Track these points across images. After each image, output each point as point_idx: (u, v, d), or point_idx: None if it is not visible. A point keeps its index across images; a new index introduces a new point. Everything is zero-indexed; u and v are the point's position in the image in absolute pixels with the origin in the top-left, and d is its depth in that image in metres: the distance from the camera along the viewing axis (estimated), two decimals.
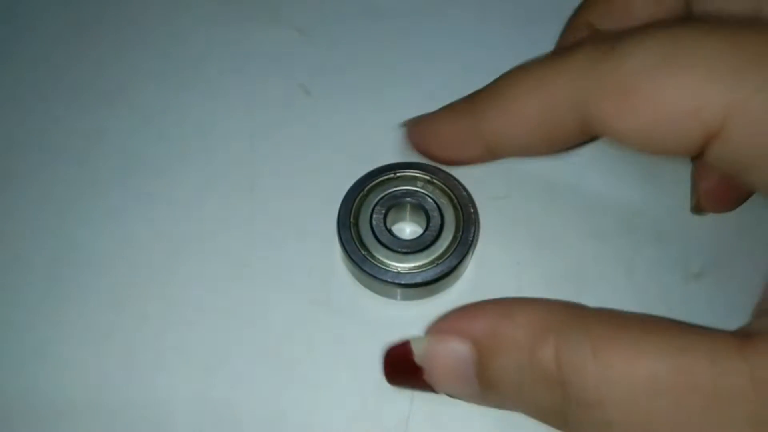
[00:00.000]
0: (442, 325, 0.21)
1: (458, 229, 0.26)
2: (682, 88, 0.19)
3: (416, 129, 0.27)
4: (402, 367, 0.22)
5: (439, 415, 0.24)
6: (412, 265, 0.25)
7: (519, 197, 0.28)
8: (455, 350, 0.20)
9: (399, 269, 0.25)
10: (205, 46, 0.31)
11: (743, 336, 0.17)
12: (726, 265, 0.26)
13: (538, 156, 0.28)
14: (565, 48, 0.23)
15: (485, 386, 0.20)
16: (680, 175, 0.28)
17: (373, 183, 0.27)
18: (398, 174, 0.27)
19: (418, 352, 0.21)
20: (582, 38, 0.25)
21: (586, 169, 0.29)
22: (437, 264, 0.25)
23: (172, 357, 0.26)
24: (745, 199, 0.26)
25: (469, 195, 0.26)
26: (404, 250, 0.26)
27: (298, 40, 0.31)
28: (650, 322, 0.19)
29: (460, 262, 0.25)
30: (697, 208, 0.27)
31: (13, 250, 0.28)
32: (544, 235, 0.27)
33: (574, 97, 0.21)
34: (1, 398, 0.26)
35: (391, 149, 0.28)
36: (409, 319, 0.26)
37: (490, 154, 0.25)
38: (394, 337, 0.25)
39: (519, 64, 0.24)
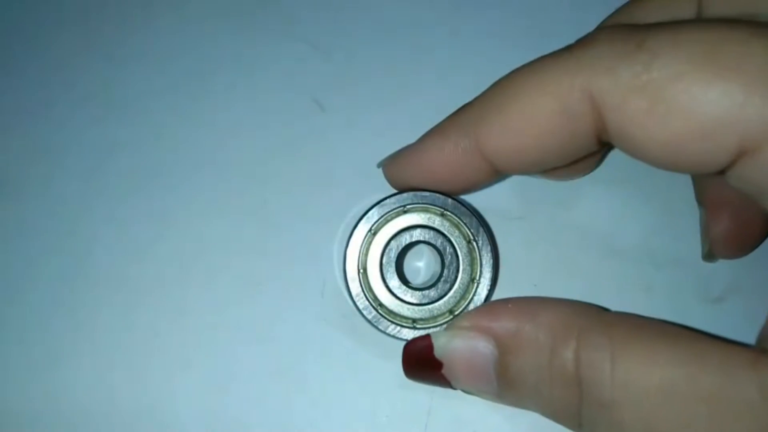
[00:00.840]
0: (464, 322, 0.21)
1: (474, 270, 0.24)
2: (721, 97, 0.17)
3: (397, 165, 0.24)
4: (422, 360, 0.22)
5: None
6: (427, 311, 0.24)
7: (535, 218, 0.28)
8: (477, 347, 0.21)
9: (414, 319, 0.24)
10: (219, 60, 0.31)
11: (757, 351, 0.18)
12: (747, 290, 0.26)
13: (547, 171, 0.25)
14: (580, 39, 0.20)
15: (504, 384, 0.21)
16: None
17: (379, 220, 0.24)
18: (407, 208, 0.24)
19: (439, 347, 0.21)
20: (599, 29, 0.22)
21: (603, 188, 0.28)
22: (455, 315, 0.23)
23: (182, 372, 0.26)
24: (758, 244, 0.25)
25: (485, 230, 0.24)
26: (419, 301, 0.24)
27: (313, 54, 0.31)
28: (668, 329, 0.19)
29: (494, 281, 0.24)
30: (709, 255, 0.26)
31: (24, 261, 0.28)
32: (561, 256, 0.27)
33: (593, 97, 0.19)
34: (12, 408, 0.26)
35: None
36: None
37: (494, 172, 0.22)
38: None
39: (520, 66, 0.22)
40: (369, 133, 0.30)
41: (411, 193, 0.24)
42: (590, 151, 0.21)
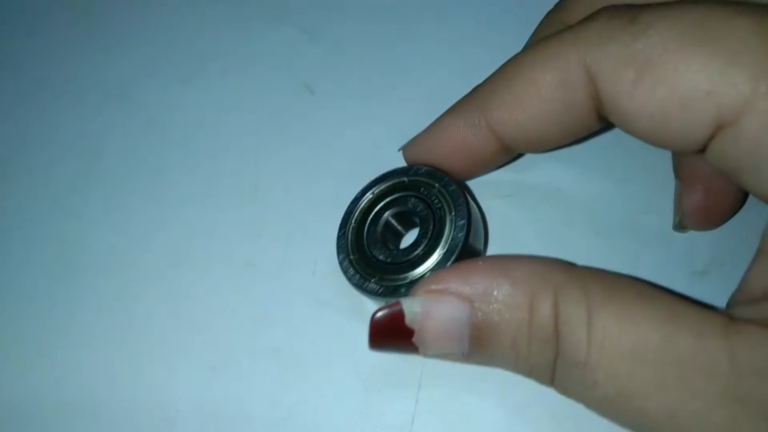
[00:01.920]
0: (435, 284, 0.20)
1: (454, 217, 0.24)
2: (702, 69, 0.18)
3: (416, 149, 0.25)
4: (391, 329, 0.21)
5: (444, 413, 0.25)
6: (423, 270, 0.24)
7: (523, 196, 0.28)
8: (451, 310, 0.20)
9: (411, 277, 0.23)
10: (210, 45, 0.31)
11: (728, 317, 0.18)
12: (730, 262, 0.26)
13: (555, 147, 0.25)
14: (579, 21, 0.21)
15: (478, 345, 0.20)
16: None
17: (363, 205, 0.25)
18: (410, 179, 0.25)
19: (411, 313, 0.20)
20: (601, 8, 0.22)
21: (590, 167, 0.29)
22: (449, 255, 0.23)
23: (177, 357, 0.26)
24: (728, 218, 0.26)
25: (455, 181, 0.24)
26: (392, 260, 0.24)
27: (303, 39, 0.31)
28: (644, 289, 0.19)
29: (465, 242, 0.24)
30: (680, 226, 0.26)
31: (18, 250, 0.28)
32: (548, 233, 0.27)
33: (588, 69, 0.20)
34: (7, 398, 0.26)
35: (394, 148, 0.28)
36: None
37: (504, 149, 0.24)
38: None
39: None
40: (358, 116, 0.30)
41: (411, 167, 0.25)
42: (591, 128, 0.22)
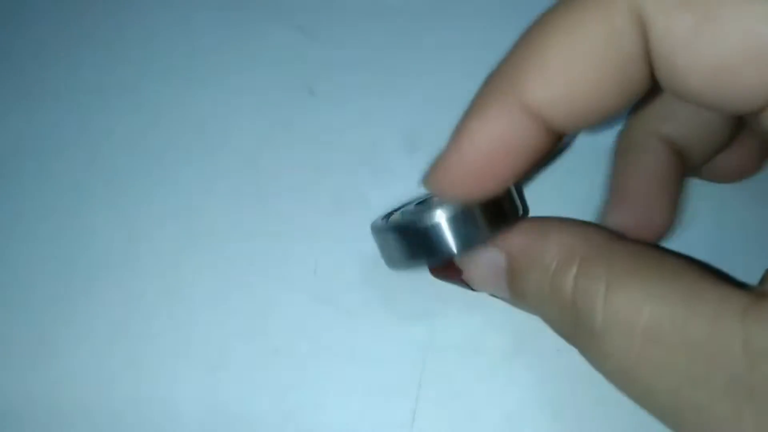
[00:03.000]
0: None
1: None
2: None
3: (444, 173, 0.20)
4: (445, 268, 0.24)
5: (444, 412, 0.25)
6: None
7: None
8: (491, 259, 0.22)
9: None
10: (210, 45, 0.31)
11: (754, 298, 0.17)
12: (729, 256, 0.26)
13: (608, 119, 0.20)
14: None
15: (514, 294, 0.22)
16: None
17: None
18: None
19: (458, 258, 0.23)
20: None
21: (586, 162, 0.29)
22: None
23: (177, 356, 0.26)
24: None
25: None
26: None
27: (303, 39, 0.31)
28: (670, 263, 0.19)
29: None
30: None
31: (19, 249, 0.28)
32: None
33: (640, 15, 0.17)
34: (6, 398, 0.26)
35: (395, 149, 0.29)
36: (413, 314, 0.26)
37: (550, 133, 0.19)
38: (403, 336, 0.26)
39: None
40: (359, 116, 0.30)
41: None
42: (645, 89, 0.18)
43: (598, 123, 0.19)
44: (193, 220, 0.28)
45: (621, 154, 0.25)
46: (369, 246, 0.27)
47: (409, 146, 0.28)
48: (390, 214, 0.25)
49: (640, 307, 0.18)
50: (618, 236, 0.21)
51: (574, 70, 0.17)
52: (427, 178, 0.21)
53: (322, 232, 0.28)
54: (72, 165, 0.30)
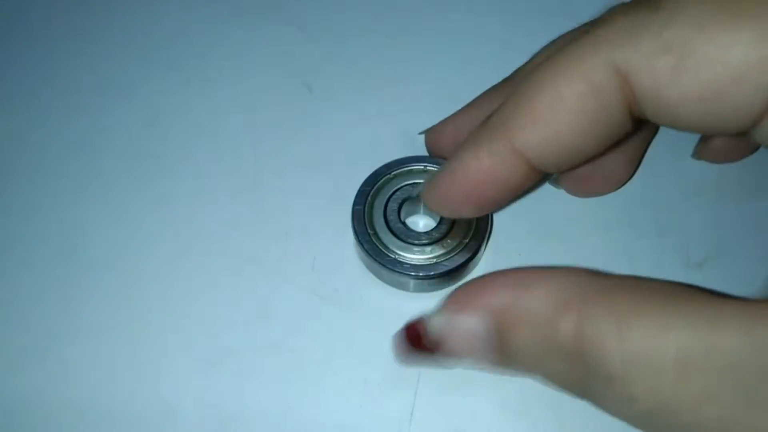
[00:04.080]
0: (458, 299, 0.20)
1: (471, 223, 0.26)
2: (747, 39, 0.17)
3: (439, 191, 0.23)
4: (415, 345, 0.21)
5: (443, 406, 0.25)
6: (427, 256, 0.26)
7: None
8: (472, 325, 0.20)
9: (414, 261, 0.25)
10: (208, 43, 0.31)
11: (764, 306, 0.16)
12: (727, 254, 0.26)
13: (589, 159, 0.23)
14: (596, 19, 0.20)
15: (503, 359, 0.20)
16: (679, 167, 0.28)
17: (389, 175, 0.27)
18: (412, 168, 0.27)
19: (433, 330, 0.20)
20: (613, 7, 0.21)
21: None
22: (453, 256, 0.25)
23: (176, 352, 0.26)
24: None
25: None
26: (419, 242, 0.26)
27: (300, 36, 0.31)
28: (678, 290, 0.17)
29: (474, 254, 0.25)
30: (701, 155, 0.27)
31: (17, 248, 0.28)
32: (547, 226, 0.28)
33: (617, 67, 0.19)
34: (4, 397, 0.26)
35: (392, 144, 0.29)
36: (413, 311, 0.26)
37: (534, 171, 0.22)
38: (399, 328, 0.26)
39: (541, 51, 0.23)
40: (356, 112, 0.30)
41: (419, 156, 0.27)
42: (626, 131, 0.21)
43: (581, 163, 0.22)
44: (191, 217, 0.28)
45: None
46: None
47: (406, 141, 0.28)
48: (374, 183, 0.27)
49: (662, 340, 0.16)
50: (596, 272, 0.19)
51: (557, 121, 0.20)
52: (423, 193, 0.24)
53: (320, 227, 0.28)
54: (68, 163, 0.30)
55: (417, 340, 0.21)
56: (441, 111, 0.27)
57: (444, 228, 0.26)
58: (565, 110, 0.20)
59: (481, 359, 0.20)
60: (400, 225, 0.26)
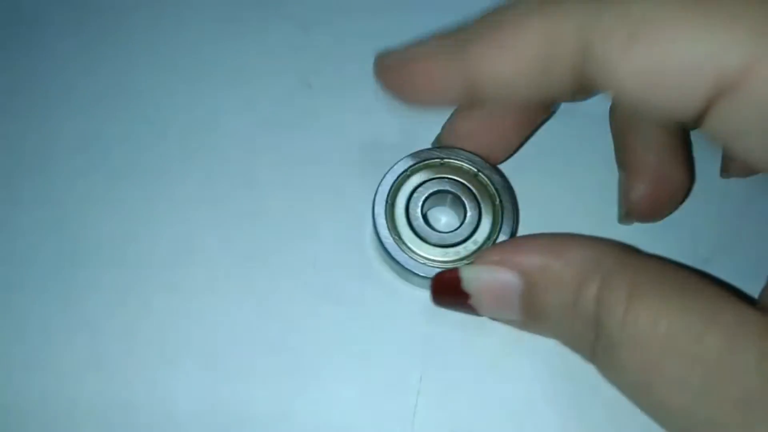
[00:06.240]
0: (492, 256, 0.22)
1: (494, 230, 0.25)
2: (703, 32, 0.17)
3: (388, 65, 0.24)
4: (449, 291, 0.23)
5: (445, 406, 0.24)
6: (443, 259, 0.25)
7: (526, 187, 0.28)
8: (504, 280, 0.21)
9: (430, 262, 0.25)
10: (206, 40, 0.31)
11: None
12: (735, 249, 0.26)
13: (523, 101, 0.25)
14: None
15: (528, 316, 0.22)
16: None
17: (415, 166, 0.26)
18: (444, 161, 0.26)
19: (467, 280, 0.22)
20: None
21: (593, 155, 0.28)
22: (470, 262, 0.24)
23: (177, 352, 0.26)
24: (673, 209, 0.26)
25: (513, 197, 0.26)
26: (438, 243, 0.25)
27: (300, 33, 0.31)
28: (691, 280, 0.19)
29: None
30: (626, 217, 0.26)
31: (17, 248, 0.28)
32: (552, 223, 0.27)
33: (579, 37, 0.19)
34: (4, 397, 0.26)
35: (394, 142, 0.28)
36: (414, 310, 0.26)
37: (470, 95, 0.22)
38: (403, 330, 0.25)
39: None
40: (357, 109, 0.30)
41: (452, 149, 0.26)
42: (562, 93, 0.21)
43: (509, 101, 0.24)
44: (192, 216, 0.28)
45: (619, 132, 0.26)
46: (368, 240, 0.27)
47: (407, 139, 0.28)
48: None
49: (658, 320, 0.18)
50: (635, 250, 0.21)
51: (509, 54, 0.20)
52: (375, 63, 0.24)
53: (321, 227, 0.28)
54: (68, 161, 0.30)
55: (452, 288, 0.22)
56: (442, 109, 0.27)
57: (465, 231, 0.25)
58: (526, 53, 0.20)
59: (509, 315, 0.22)
60: (422, 222, 0.25)
